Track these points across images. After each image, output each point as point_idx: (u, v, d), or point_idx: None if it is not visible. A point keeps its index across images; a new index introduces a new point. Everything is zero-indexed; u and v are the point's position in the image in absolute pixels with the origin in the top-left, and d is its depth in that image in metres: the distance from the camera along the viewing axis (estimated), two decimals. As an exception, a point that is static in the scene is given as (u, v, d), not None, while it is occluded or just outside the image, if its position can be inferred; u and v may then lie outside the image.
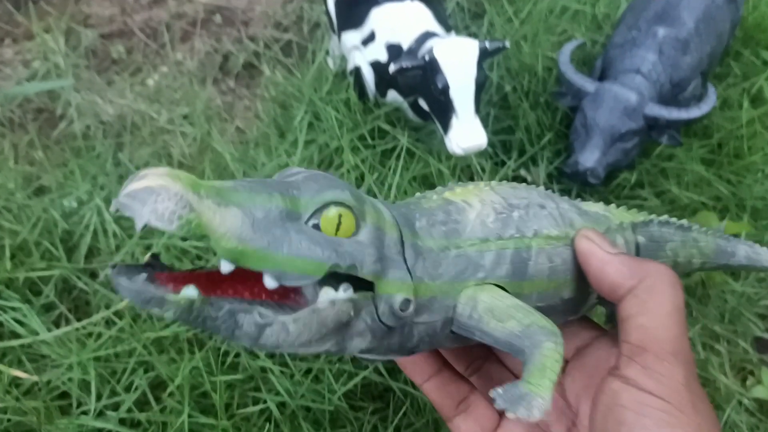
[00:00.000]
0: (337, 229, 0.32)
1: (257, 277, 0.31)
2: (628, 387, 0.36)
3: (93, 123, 1.22)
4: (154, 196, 0.27)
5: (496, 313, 0.37)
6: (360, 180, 1.00)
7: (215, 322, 0.31)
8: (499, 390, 0.35)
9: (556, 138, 1.15)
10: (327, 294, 0.32)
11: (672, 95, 1.10)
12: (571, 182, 1.05)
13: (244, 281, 0.34)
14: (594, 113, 1.03)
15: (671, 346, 0.36)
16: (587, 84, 1.06)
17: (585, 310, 0.47)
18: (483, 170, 1.07)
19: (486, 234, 0.39)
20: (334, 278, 0.33)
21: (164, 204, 0.27)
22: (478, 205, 0.41)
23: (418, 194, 0.43)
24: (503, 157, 1.12)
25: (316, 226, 0.32)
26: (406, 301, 0.35)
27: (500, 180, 1.05)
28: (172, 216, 0.28)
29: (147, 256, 0.32)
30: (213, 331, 0.31)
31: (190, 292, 0.30)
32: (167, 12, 1.46)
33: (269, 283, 0.31)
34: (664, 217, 0.53)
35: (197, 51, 1.40)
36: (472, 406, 0.45)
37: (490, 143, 1.11)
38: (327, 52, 1.30)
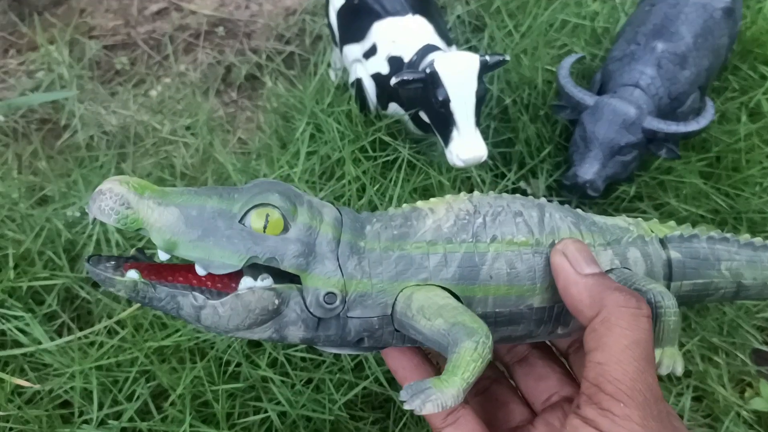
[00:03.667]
0: (266, 227, 0.37)
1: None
2: (587, 427, 0.36)
3: (96, 133, 1.23)
4: (101, 196, 0.35)
5: (426, 312, 0.38)
6: (361, 191, 1.01)
7: (161, 303, 0.37)
8: (411, 383, 0.36)
9: (555, 151, 1.16)
10: (246, 282, 0.37)
11: (670, 109, 1.11)
12: (570, 194, 1.05)
13: (195, 274, 0.39)
14: (593, 126, 1.04)
15: (626, 386, 0.36)
16: (586, 97, 1.07)
17: (575, 326, 0.45)
18: (483, 182, 1.08)
19: (435, 237, 0.40)
20: (260, 270, 0.38)
21: (106, 202, 0.35)
22: (442, 211, 0.42)
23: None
24: (503, 169, 1.13)
25: (247, 225, 0.37)
26: (331, 295, 0.38)
27: (499, 192, 1.07)
28: (110, 212, 0.35)
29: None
30: (163, 311, 0.38)
31: (132, 275, 0.37)
32: (171, 24, 1.47)
33: (199, 270, 0.37)
34: (731, 234, 0.51)
35: (200, 63, 1.41)
36: (461, 419, 0.44)
37: (490, 155, 1.12)
38: (329, 65, 1.31)
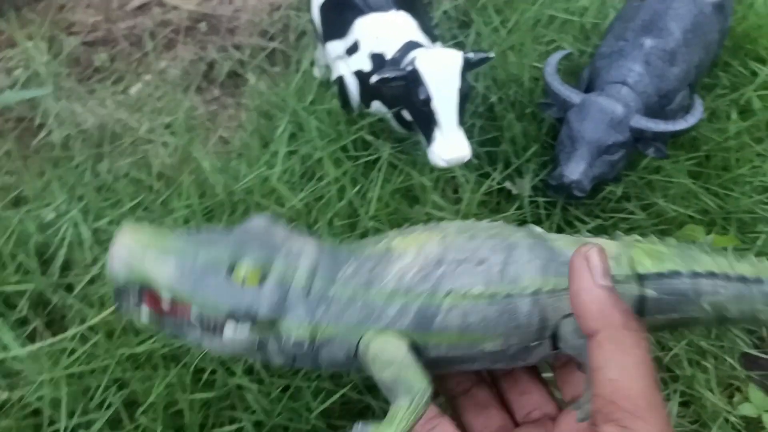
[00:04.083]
0: (245, 279, 0.42)
1: None
2: None
3: (73, 132, 1.20)
4: (116, 253, 0.41)
5: (376, 362, 0.42)
6: (342, 192, 0.98)
7: (171, 330, 0.44)
8: (358, 425, 0.40)
9: (542, 150, 1.14)
10: (227, 332, 0.43)
11: (659, 107, 1.08)
12: (557, 195, 1.03)
13: None
14: (580, 125, 1.02)
15: (645, 401, 0.35)
16: (573, 95, 1.04)
17: (535, 359, 0.46)
18: (467, 182, 1.05)
19: (397, 287, 0.44)
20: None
21: (118, 260, 0.41)
22: (410, 257, 0.45)
23: (388, 233, 0.48)
24: (488, 168, 1.10)
25: (231, 275, 0.43)
26: (299, 342, 0.43)
27: (485, 192, 1.05)
28: (121, 269, 0.41)
29: None
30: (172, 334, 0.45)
31: (144, 311, 0.44)
32: (152, 20, 1.44)
33: (194, 312, 0.43)
34: (724, 263, 0.48)
35: (181, 59, 1.38)
36: (438, 427, 0.44)
37: (475, 155, 1.09)
38: (313, 62, 1.28)
